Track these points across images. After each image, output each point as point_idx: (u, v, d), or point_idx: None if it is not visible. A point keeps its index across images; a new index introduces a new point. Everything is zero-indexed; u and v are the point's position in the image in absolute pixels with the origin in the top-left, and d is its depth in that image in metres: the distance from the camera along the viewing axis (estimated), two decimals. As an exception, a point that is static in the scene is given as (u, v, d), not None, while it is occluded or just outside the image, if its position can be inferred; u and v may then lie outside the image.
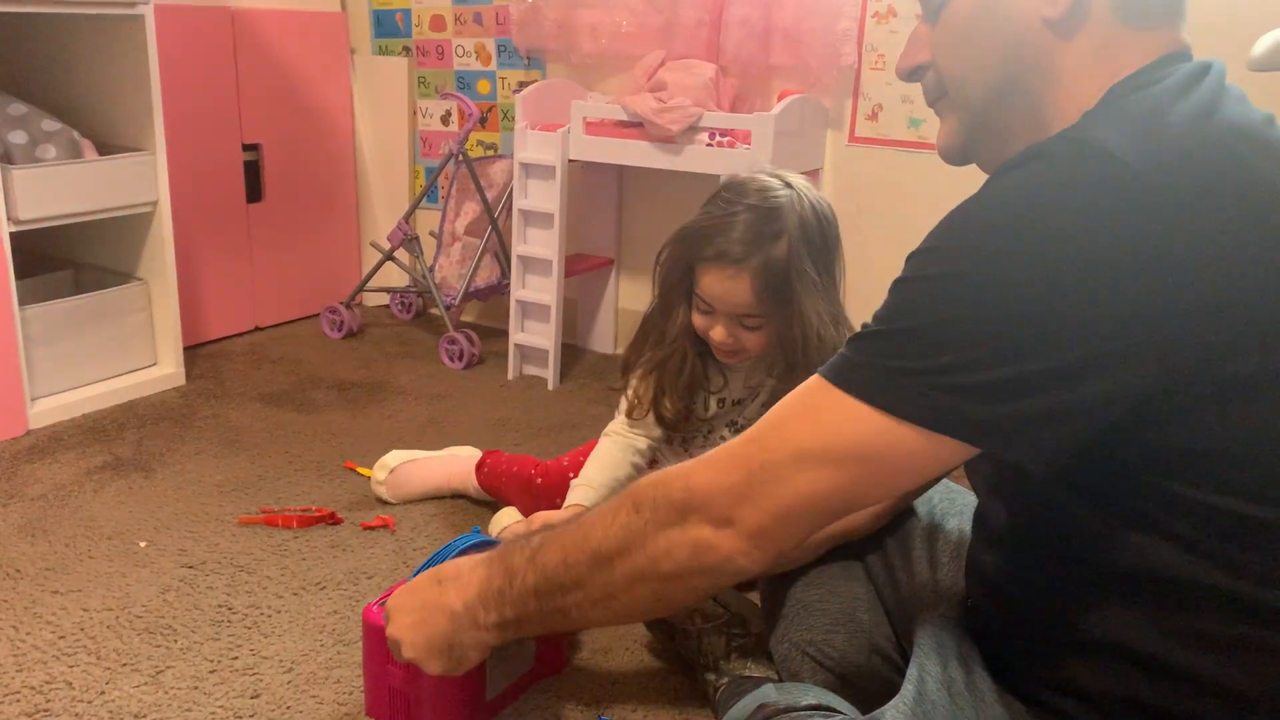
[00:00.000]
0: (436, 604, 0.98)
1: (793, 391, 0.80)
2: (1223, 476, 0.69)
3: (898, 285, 0.74)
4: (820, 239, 1.39)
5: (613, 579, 0.86)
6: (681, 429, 1.53)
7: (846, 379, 0.74)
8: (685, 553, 0.81)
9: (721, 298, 1.39)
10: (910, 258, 0.74)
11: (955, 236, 0.72)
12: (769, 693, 1.01)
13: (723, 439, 1.56)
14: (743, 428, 1.53)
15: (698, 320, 1.44)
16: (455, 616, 0.97)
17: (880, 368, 0.72)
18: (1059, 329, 0.66)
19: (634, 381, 1.53)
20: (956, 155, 0.90)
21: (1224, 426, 0.68)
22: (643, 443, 1.52)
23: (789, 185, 1.39)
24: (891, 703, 0.83)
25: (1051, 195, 0.68)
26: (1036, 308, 0.67)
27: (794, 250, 1.34)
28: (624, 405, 1.55)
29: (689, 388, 1.50)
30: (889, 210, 2.32)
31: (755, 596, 1.32)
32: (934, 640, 0.88)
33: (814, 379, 0.77)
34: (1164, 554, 0.72)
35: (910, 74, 0.90)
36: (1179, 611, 0.73)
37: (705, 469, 0.81)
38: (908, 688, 0.83)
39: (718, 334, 1.41)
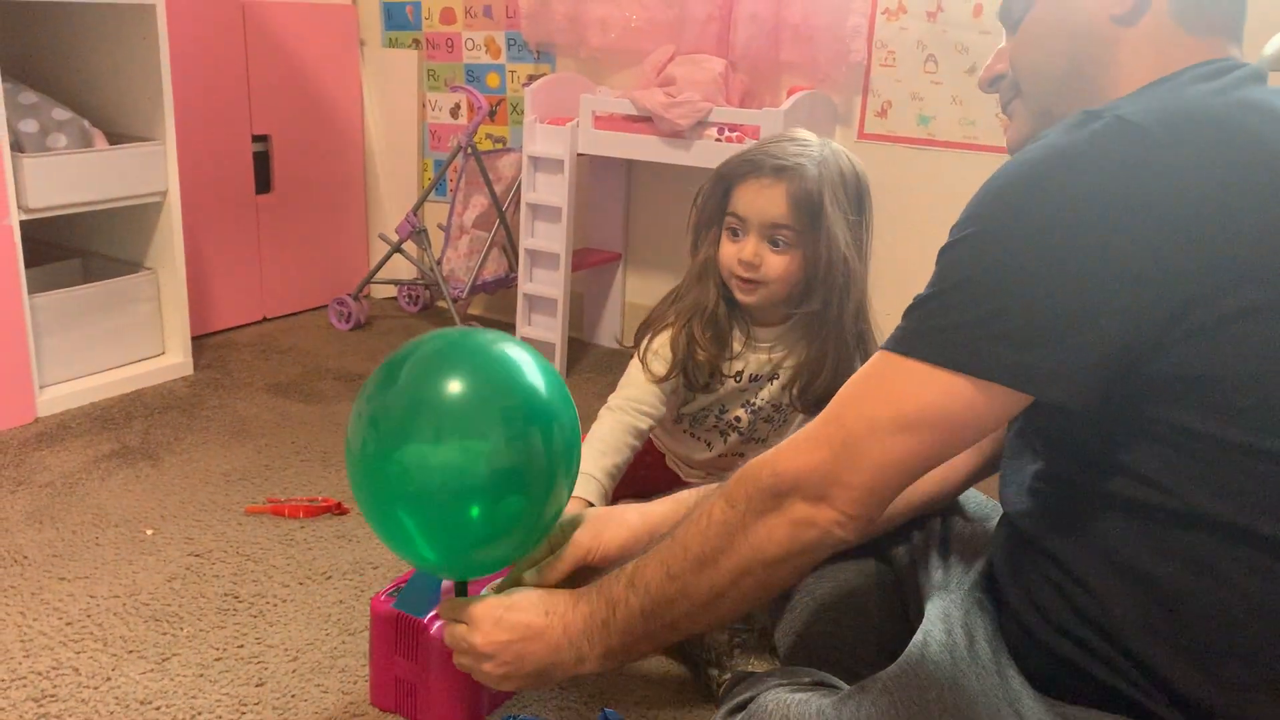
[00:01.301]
0: (540, 635, 1.00)
1: (860, 369, 0.85)
2: (1215, 401, 0.74)
3: (940, 253, 0.80)
4: (854, 179, 1.43)
5: (719, 578, 0.90)
6: (713, 388, 1.51)
7: (905, 345, 0.80)
8: (785, 534, 0.85)
9: (754, 205, 1.40)
10: (952, 228, 0.81)
11: (980, 200, 0.79)
12: (773, 678, 1.02)
13: (736, 420, 1.55)
14: (758, 409, 1.55)
15: (726, 250, 1.44)
16: (559, 649, 1.00)
17: (931, 327, 0.79)
18: (1075, 271, 0.73)
19: (662, 336, 1.49)
20: (1023, 147, 0.94)
21: (1220, 353, 0.73)
22: (644, 422, 1.48)
23: (821, 140, 1.45)
24: (896, 662, 0.85)
25: (1063, 152, 0.75)
26: (1052, 254, 0.73)
27: (826, 177, 1.39)
28: (632, 373, 1.51)
29: (718, 336, 1.49)
30: (897, 206, 2.31)
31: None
32: (941, 611, 0.91)
33: (877, 354, 0.83)
34: (1162, 479, 0.77)
35: (991, 84, 0.98)
36: (1178, 535, 0.77)
37: (789, 453, 0.86)
38: (911, 651, 0.86)
39: (745, 252, 1.41)
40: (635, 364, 1.51)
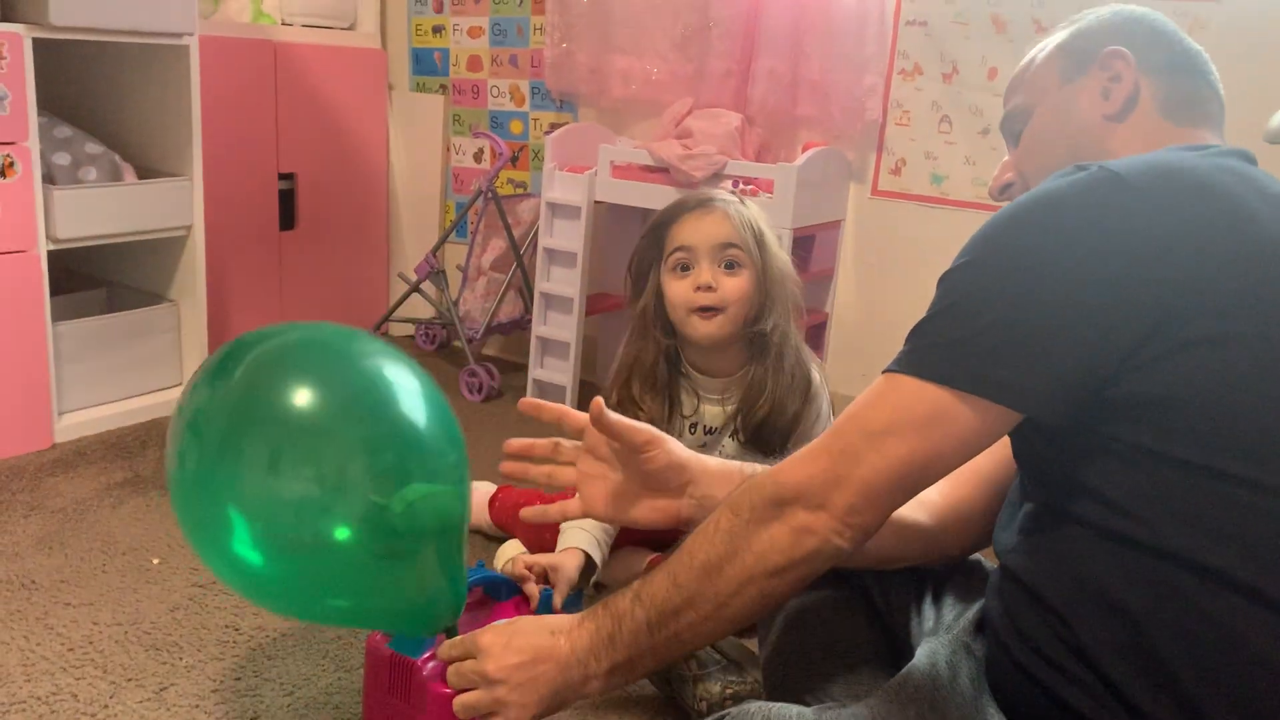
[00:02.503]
0: (550, 655, 1.01)
1: (864, 391, 0.91)
2: (1172, 423, 0.78)
3: (938, 281, 0.88)
4: (766, 225, 1.49)
5: (723, 586, 0.92)
6: None
7: (901, 364, 0.86)
8: (787, 542, 0.88)
9: (699, 232, 1.44)
10: (953, 260, 0.89)
11: (975, 235, 0.87)
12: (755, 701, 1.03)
13: None
14: None
15: (677, 287, 1.45)
16: (568, 668, 1.01)
17: (924, 347, 0.86)
18: (1049, 296, 0.80)
19: (612, 398, 1.53)
20: None
21: (1179, 378, 0.78)
22: None
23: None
24: (880, 689, 0.88)
25: (1049, 193, 0.84)
26: (1029, 280, 0.81)
27: (753, 211, 1.46)
28: None
29: (658, 392, 1.49)
30: (909, 264, 2.34)
31: (752, 644, 1.33)
32: (928, 650, 0.93)
33: (880, 376, 0.89)
34: (1126, 502, 0.80)
35: (1001, 192, 1.09)
36: (1144, 561, 0.79)
37: (792, 464, 0.90)
38: (894, 680, 0.89)
39: (702, 277, 1.42)
40: None
